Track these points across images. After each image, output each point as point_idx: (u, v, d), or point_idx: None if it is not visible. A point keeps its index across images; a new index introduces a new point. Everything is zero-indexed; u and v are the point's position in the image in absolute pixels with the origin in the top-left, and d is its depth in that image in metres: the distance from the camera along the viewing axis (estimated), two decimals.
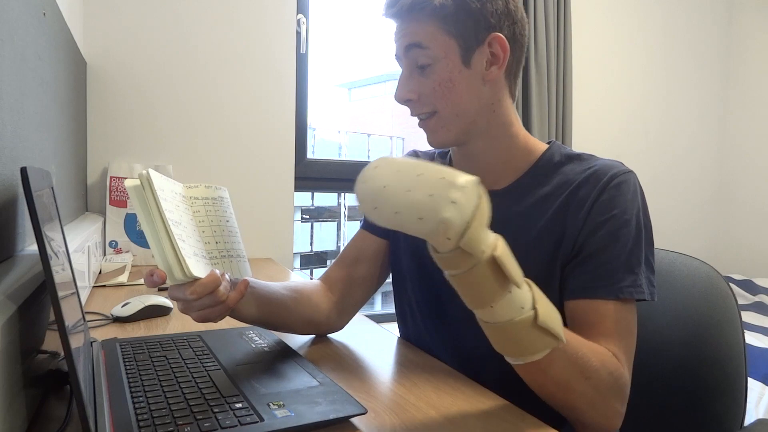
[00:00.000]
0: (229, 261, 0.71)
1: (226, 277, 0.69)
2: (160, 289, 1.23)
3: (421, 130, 0.82)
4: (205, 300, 0.65)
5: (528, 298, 0.58)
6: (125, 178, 1.66)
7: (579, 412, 0.66)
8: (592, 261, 0.72)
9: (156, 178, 0.64)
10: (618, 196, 0.73)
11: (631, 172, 0.76)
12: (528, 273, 0.76)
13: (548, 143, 0.84)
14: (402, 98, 0.78)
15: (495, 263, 0.55)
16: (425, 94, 0.77)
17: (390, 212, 0.52)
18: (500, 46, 0.76)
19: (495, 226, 0.81)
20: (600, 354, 0.66)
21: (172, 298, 0.66)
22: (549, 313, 0.59)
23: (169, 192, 0.67)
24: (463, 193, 0.51)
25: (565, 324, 0.73)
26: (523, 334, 0.58)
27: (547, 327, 0.58)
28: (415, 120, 0.81)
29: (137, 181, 0.64)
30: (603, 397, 0.65)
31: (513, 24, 0.77)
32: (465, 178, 0.52)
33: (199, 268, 0.63)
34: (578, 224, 0.73)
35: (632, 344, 0.71)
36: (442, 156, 0.94)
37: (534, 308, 0.58)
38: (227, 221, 0.74)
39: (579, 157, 0.80)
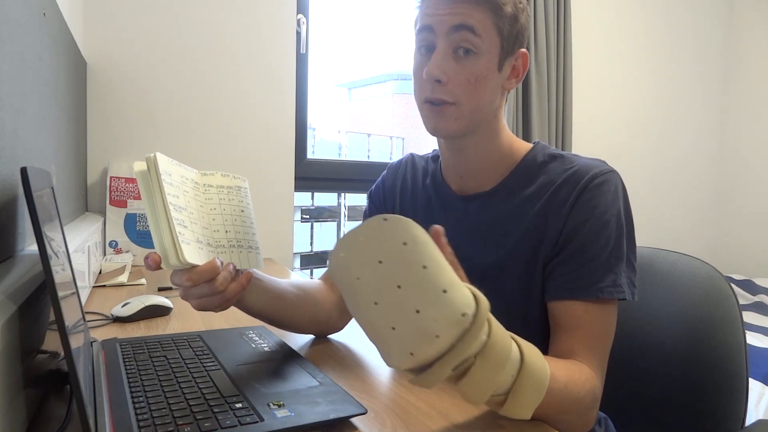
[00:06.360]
0: (239, 251, 0.71)
1: (231, 267, 0.69)
2: (160, 289, 1.23)
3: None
4: (202, 288, 0.65)
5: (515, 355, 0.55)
6: (125, 178, 1.67)
7: (569, 425, 0.67)
8: (572, 261, 0.72)
9: (163, 161, 0.64)
10: (598, 195, 0.73)
11: (613, 171, 0.76)
12: (511, 273, 0.77)
13: (533, 144, 0.84)
14: (434, 76, 0.74)
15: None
16: (456, 82, 0.74)
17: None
18: (523, 63, 0.80)
19: (481, 227, 0.82)
20: (580, 372, 0.67)
21: (173, 283, 0.67)
22: (534, 361, 0.57)
23: (177, 176, 0.66)
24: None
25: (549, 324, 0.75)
26: (522, 395, 0.56)
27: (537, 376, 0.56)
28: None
29: (144, 165, 0.63)
30: (588, 411, 0.68)
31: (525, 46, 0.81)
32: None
33: (196, 254, 0.63)
34: (559, 224, 0.74)
35: (607, 346, 0.73)
36: (434, 160, 0.94)
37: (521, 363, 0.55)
38: (242, 211, 0.73)
39: (561, 157, 0.80)
